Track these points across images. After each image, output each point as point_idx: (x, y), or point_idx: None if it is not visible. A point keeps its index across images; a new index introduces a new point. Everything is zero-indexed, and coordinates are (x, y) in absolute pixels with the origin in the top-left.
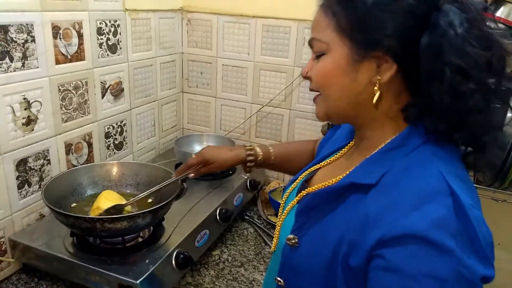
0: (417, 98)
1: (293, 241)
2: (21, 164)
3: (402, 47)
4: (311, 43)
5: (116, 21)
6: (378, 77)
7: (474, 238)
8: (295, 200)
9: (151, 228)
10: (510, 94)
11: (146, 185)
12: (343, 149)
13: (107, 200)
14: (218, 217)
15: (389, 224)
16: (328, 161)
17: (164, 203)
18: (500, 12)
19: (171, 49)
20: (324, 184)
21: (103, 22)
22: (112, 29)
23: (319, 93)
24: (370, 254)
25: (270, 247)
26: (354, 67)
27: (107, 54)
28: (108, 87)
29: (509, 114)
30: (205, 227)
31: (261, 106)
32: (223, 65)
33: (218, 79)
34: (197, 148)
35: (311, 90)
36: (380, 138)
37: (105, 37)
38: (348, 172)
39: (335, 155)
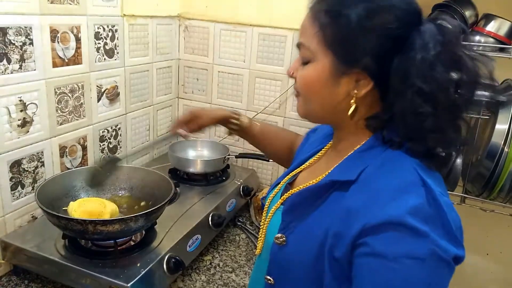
0: (382, 111)
1: (281, 239)
2: (15, 165)
3: (379, 66)
4: (298, 47)
5: (114, 26)
6: (356, 92)
7: (445, 222)
8: (279, 201)
9: (143, 232)
10: (480, 108)
11: (140, 189)
12: (320, 152)
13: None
14: (210, 223)
15: (370, 214)
16: (308, 163)
17: (157, 207)
18: (491, 26)
19: (167, 55)
20: (307, 184)
21: (101, 27)
22: (110, 34)
23: (297, 93)
24: (353, 243)
25: None
26: (335, 80)
27: (104, 59)
28: (104, 91)
29: (497, 127)
30: (197, 232)
31: (256, 113)
32: (219, 72)
33: (213, 85)
34: (192, 153)
35: (295, 89)
36: (355, 140)
37: (102, 41)
38: (328, 172)
39: (314, 158)
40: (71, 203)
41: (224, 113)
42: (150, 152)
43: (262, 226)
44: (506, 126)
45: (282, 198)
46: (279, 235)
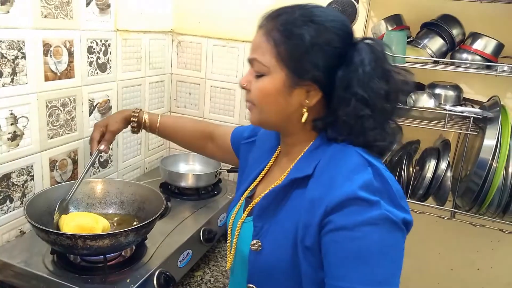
0: (327, 115)
1: (256, 245)
2: (4, 179)
3: (327, 79)
4: (251, 62)
5: (107, 40)
6: (307, 101)
7: (391, 192)
8: (244, 214)
9: (134, 247)
10: (401, 113)
11: (131, 204)
12: (269, 163)
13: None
14: (201, 237)
15: (329, 198)
16: (261, 176)
17: (147, 221)
18: (477, 45)
19: (160, 70)
20: (269, 189)
21: (94, 41)
22: (103, 48)
23: (251, 104)
24: (320, 226)
25: None
26: (288, 91)
27: (97, 73)
28: (96, 105)
29: (485, 144)
30: (188, 247)
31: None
32: (211, 86)
33: (206, 100)
34: (183, 167)
35: (247, 100)
36: (304, 142)
37: (95, 55)
38: (286, 173)
39: (265, 169)
40: (63, 216)
41: (124, 112)
42: (141, 166)
43: (229, 243)
44: (494, 142)
45: (246, 210)
46: (254, 241)
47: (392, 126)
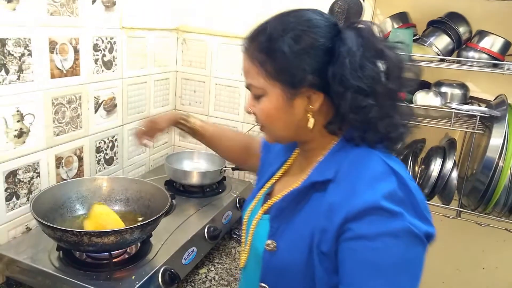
0: (335, 115)
1: (271, 245)
2: (11, 176)
3: (322, 78)
4: (249, 87)
5: (112, 38)
6: (311, 106)
7: (415, 203)
8: (260, 211)
9: (139, 244)
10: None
11: (136, 201)
12: (288, 161)
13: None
14: (206, 235)
15: (350, 205)
16: (280, 174)
17: (152, 219)
18: (484, 43)
19: (165, 67)
20: (288, 189)
21: (99, 39)
22: (108, 45)
23: (261, 126)
24: (338, 232)
25: None
26: (289, 104)
27: (102, 70)
28: (102, 102)
29: (491, 143)
30: (193, 244)
31: (253, 125)
32: (216, 84)
33: (211, 97)
34: (188, 164)
35: (257, 122)
36: (322, 147)
37: (100, 53)
38: (306, 176)
39: (283, 168)
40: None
41: (175, 114)
42: (146, 164)
43: (243, 240)
44: (501, 141)
45: (262, 208)
46: (269, 241)
47: (401, 110)
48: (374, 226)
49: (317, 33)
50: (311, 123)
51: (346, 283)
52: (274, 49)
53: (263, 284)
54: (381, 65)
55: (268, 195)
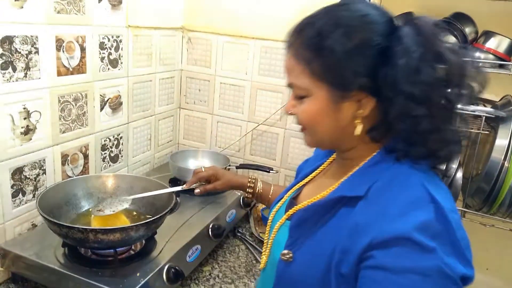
0: (380, 121)
1: (287, 256)
2: (17, 172)
3: (375, 81)
4: (290, 87)
5: (118, 36)
6: (361, 111)
7: (454, 239)
8: (284, 217)
9: (144, 241)
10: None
11: (140, 199)
12: (322, 166)
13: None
14: (210, 233)
15: (378, 229)
16: (311, 177)
17: (157, 216)
18: (490, 43)
19: (170, 66)
20: (313, 199)
21: (105, 37)
22: (114, 44)
23: (302, 128)
24: (360, 257)
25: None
26: (336, 107)
27: (108, 68)
28: (107, 100)
29: (497, 143)
30: (197, 242)
31: (257, 124)
32: (221, 83)
33: (215, 96)
34: (192, 163)
35: (299, 124)
36: (360, 157)
37: (107, 51)
38: (335, 187)
39: (316, 172)
40: (94, 217)
41: (241, 182)
42: (151, 161)
43: (266, 240)
44: (506, 142)
45: (287, 213)
46: (286, 251)
47: (455, 125)
48: (400, 259)
49: (373, 30)
50: (358, 130)
51: None
52: (323, 46)
53: None
54: (440, 71)
55: (294, 199)
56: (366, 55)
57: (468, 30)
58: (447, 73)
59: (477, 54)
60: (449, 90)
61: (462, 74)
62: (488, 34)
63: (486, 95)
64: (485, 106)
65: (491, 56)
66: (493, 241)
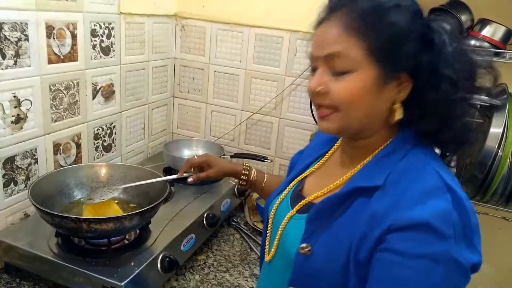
0: (411, 105)
1: (306, 249)
2: (8, 162)
3: (416, 67)
4: (328, 58)
5: (110, 23)
6: (401, 95)
7: (467, 227)
8: (294, 209)
9: (137, 231)
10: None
11: (134, 188)
12: (325, 157)
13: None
14: (205, 222)
15: (395, 217)
16: (312, 169)
17: (151, 206)
18: (486, 31)
19: (163, 54)
20: (327, 190)
21: (97, 24)
22: (106, 31)
23: (331, 110)
24: (377, 242)
25: (256, 253)
26: (380, 88)
27: (100, 56)
28: (100, 89)
29: (491, 130)
30: (192, 231)
31: (252, 113)
32: (215, 71)
33: (209, 85)
34: (186, 152)
35: (322, 106)
36: (373, 145)
37: (98, 39)
38: (349, 177)
39: (318, 163)
40: (86, 206)
41: (235, 169)
42: (145, 151)
43: (269, 233)
44: (500, 130)
45: (298, 205)
46: (304, 245)
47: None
48: (414, 244)
49: (416, 16)
50: (399, 114)
51: None
52: (387, 21)
53: None
54: (465, 65)
55: (300, 191)
56: (417, 38)
57: (464, 17)
58: (469, 69)
59: (473, 42)
60: (473, 85)
61: (475, 70)
62: (484, 22)
63: (480, 84)
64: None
65: (486, 44)
66: (486, 229)
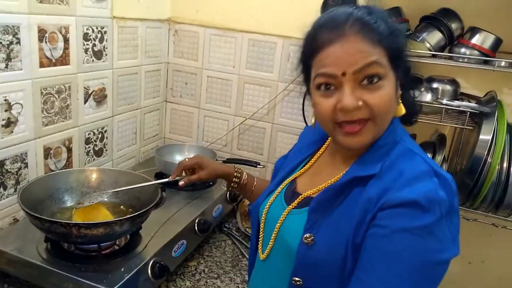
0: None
1: (309, 239)
2: None
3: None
4: (364, 70)
5: (103, 27)
6: (400, 92)
7: (451, 207)
8: (292, 205)
9: (128, 236)
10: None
11: (125, 193)
12: (314, 156)
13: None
14: (196, 228)
15: (386, 198)
16: (303, 169)
17: (142, 211)
18: (475, 39)
19: (156, 58)
20: (325, 184)
21: (90, 28)
22: (99, 35)
23: (364, 122)
24: (369, 223)
25: (247, 259)
26: (397, 92)
27: (92, 60)
28: (91, 93)
29: (481, 137)
30: (183, 237)
31: (244, 118)
32: (208, 76)
33: (202, 90)
34: (178, 158)
35: (354, 121)
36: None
37: (91, 43)
38: (345, 171)
39: (308, 163)
40: (75, 210)
41: (226, 170)
42: (136, 156)
43: (262, 232)
44: (490, 137)
45: (296, 201)
46: (308, 235)
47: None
48: (402, 219)
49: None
50: (403, 109)
51: (358, 266)
52: (396, 30)
53: (296, 278)
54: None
55: (295, 190)
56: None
57: (454, 26)
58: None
59: (463, 50)
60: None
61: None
62: (473, 30)
63: (471, 91)
64: (470, 101)
65: (476, 52)
66: (476, 236)
